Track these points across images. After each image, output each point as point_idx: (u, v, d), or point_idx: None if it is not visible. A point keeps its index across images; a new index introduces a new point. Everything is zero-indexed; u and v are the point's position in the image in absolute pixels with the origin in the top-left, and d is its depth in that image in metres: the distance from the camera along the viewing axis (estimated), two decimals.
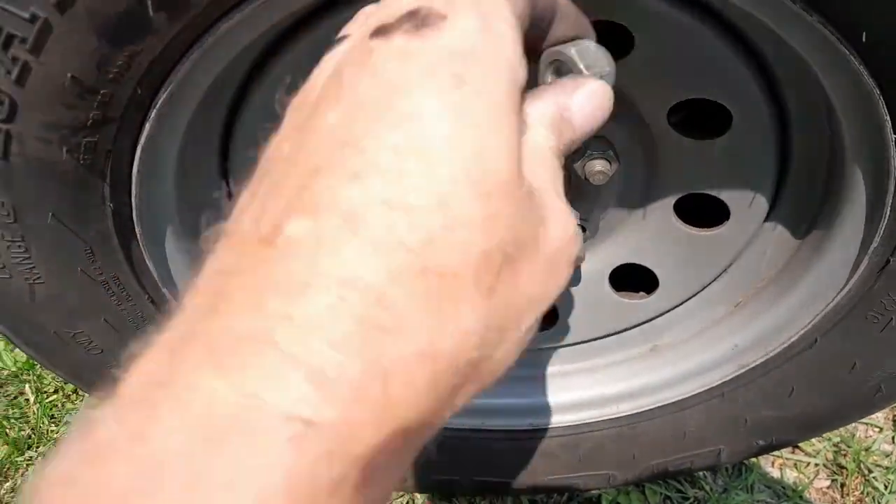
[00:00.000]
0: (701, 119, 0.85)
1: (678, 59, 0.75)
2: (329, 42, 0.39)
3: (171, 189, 0.83)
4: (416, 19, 0.35)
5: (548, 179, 0.37)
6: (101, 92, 0.64)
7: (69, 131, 0.67)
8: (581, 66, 0.43)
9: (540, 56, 0.45)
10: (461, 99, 0.32)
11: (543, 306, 0.36)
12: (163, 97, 0.67)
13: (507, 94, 0.34)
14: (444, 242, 0.30)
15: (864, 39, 0.61)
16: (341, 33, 0.39)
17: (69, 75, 0.62)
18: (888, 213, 0.76)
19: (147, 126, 0.69)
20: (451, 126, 0.32)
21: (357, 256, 0.30)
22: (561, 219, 0.36)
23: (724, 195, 0.90)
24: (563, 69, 0.43)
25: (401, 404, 0.30)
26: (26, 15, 0.56)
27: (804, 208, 0.90)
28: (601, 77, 0.42)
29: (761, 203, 0.89)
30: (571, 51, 0.43)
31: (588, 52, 0.43)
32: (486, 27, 0.35)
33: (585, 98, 0.41)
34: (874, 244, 0.79)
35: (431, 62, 0.33)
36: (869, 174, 0.76)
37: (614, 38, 0.74)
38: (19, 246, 0.79)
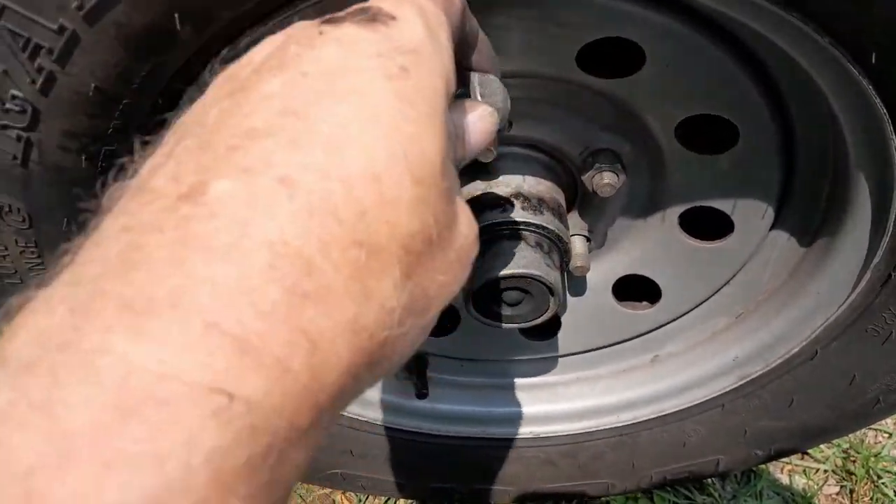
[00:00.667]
0: (706, 132, 0.87)
1: (688, 76, 0.76)
2: None
3: None
4: (367, 14, 0.37)
5: (456, 183, 0.39)
6: (123, 102, 0.65)
7: (89, 139, 0.67)
8: (478, 94, 0.48)
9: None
10: (406, 88, 0.34)
11: (447, 298, 0.37)
12: (183, 107, 0.68)
13: (443, 96, 0.36)
14: (374, 218, 0.31)
15: (873, 61, 0.63)
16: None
17: (93, 85, 0.62)
18: (892, 226, 0.77)
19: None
20: (395, 108, 0.33)
21: (290, 222, 0.29)
22: (468, 219, 0.39)
23: (728, 208, 0.91)
24: (464, 93, 0.48)
25: (323, 379, 0.29)
26: (54, 26, 0.57)
27: (808, 222, 0.92)
28: (494, 107, 0.47)
29: (765, 216, 0.91)
30: (475, 79, 0.49)
31: (489, 83, 0.49)
32: (431, 35, 0.38)
33: (476, 119, 0.45)
34: (877, 258, 0.81)
35: (381, 50, 0.35)
36: (874, 188, 0.78)
37: (626, 54, 0.76)
38: (32, 252, 0.79)
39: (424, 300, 0.35)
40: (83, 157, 0.69)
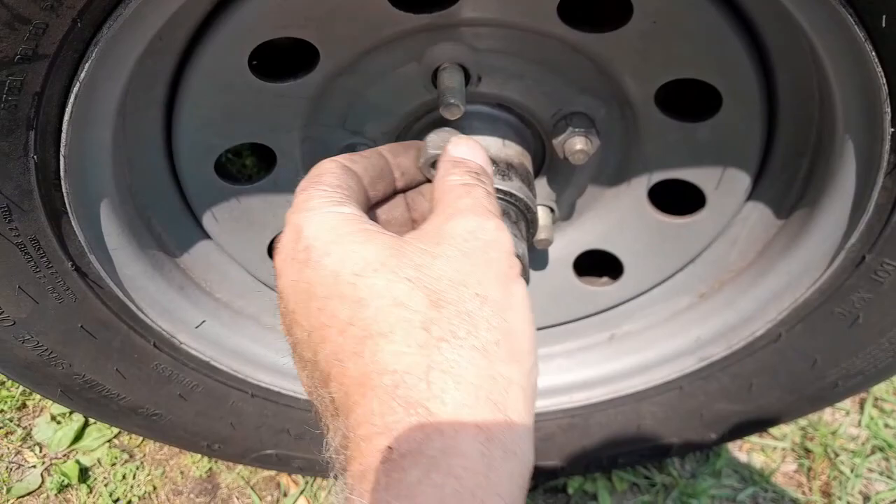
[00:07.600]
0: (683, 99, 0.81)
1: (676, 35, 0.70)
2: None
3: (107, 143, 0.73)
4: None
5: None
6: (34, 22, 0.55)
7: None
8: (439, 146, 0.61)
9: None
10: None
11: None
12: (107, 34, 0.58)
13: None
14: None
15: (884, 24, 0.58)
16: None
17: None
18: (873, 204, 0.74)
19: (85, 67, 0.60)
20: None
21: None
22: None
23: (703, 180, 0.87)
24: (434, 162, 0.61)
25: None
26: None
27: (785, 198, 0.88)
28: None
29: (741, 189, 0.87)
30: (428, 151, 0.64)
31: (434, 139, 0.63)
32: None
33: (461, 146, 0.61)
34: (853, 239, 0.77)
35: None
36: (860, 159, 0.73)
37: (610, 7, 0.70)
38: None
39: None
40: None
